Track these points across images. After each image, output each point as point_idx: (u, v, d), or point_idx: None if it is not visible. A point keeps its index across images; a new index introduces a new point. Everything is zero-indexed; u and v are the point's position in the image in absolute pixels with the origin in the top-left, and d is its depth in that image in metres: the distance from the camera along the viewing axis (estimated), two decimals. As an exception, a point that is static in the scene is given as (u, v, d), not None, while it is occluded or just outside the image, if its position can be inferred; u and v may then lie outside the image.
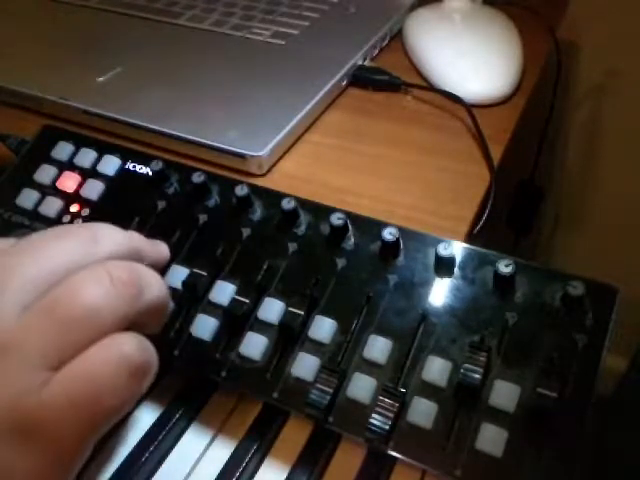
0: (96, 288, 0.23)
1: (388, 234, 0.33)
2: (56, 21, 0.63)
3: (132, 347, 0.23)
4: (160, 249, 0.32)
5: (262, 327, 0.32)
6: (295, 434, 0.33)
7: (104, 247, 0.26)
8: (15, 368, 0.21)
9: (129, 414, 0.34)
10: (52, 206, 0.39)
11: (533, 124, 0.66)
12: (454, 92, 0.50)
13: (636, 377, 0.86)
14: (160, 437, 0.32)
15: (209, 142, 0.44)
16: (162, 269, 0.33)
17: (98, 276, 0.23)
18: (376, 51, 0.58)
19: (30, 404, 0.21)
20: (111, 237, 0.27)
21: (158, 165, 0.38)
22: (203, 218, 0.37)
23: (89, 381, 0.22)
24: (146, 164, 0.39)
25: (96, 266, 0.24)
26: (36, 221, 0.39)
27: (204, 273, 0.34)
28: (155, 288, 0.26)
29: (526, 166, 0.76)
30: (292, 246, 0.35)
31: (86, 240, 0.26)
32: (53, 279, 0.23)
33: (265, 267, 0.34)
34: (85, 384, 0.22)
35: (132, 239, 0.29)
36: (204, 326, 0.33)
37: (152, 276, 0.26)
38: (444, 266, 0.32)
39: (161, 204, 0.38)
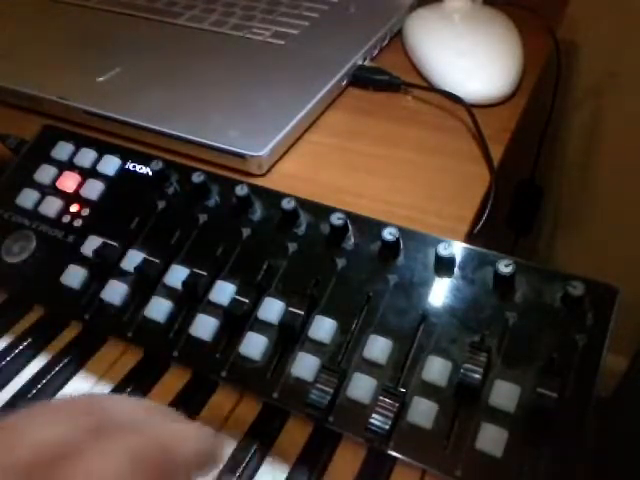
0: (113, 470, 0.19)
1: (388, 234, 0.33)
2: (56, 21, 0.63)
3: None
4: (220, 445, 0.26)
5: (262, 327, 0.32)
6: (295, 434, 0.33)
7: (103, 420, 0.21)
8: None
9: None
10: (52, 206, 0.39)
11: (533, 124, 0.66)
12: (454, 92, 0.50)
13: (636, 377, 0.86)
14: (160, 437, 0.32)
15: (209, 142, 0.44)
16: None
17: (118, 466, 0.19)
18: (376, 51, 0.58)
19: None
20: (114, 410, 0.22)
21: (158, 165, 0.38)
22: (203, 218, 0.37)
23: None
24: (146, 164, 0.39)
25: (116, 450, 0.20)
26: (36, 221, 0.39)
27: (204, 273, 0.34)
28: (189, 461, 0.21)
29: (526, 166, 0.76)
30: (292, 246, 0.35)
31: (87, 417, 0.21)
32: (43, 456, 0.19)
33: (265, 267, 0.34)
34: None
35: (136, 411, 0.23)
36: (204, 326, 0.33)
37: (186, 444, 0.22)
38: (444, 266, 0.32)
39: (161, 204, 0.38)
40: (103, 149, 0.41)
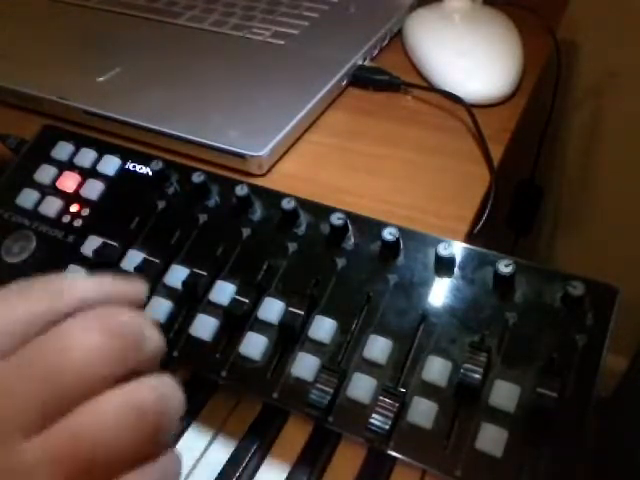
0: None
1: (388, 234, 0.33)
2: (56, 21, 0.63)
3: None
4: (135, 289, 0.29)
5: (262, 327, 0.32)
6: (295, 434, 0.33)
7: (71, 298, 0.23)
8: None
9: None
10: (52, 206, 0.39)
11: (533, 124, 0.66)
12: (454, 92, 0.50)
13: (636, 377, 0.86)
14: (160, 437, 0.32)
15: (209, 142, 0.44)
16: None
17: (122, 412, 0.20)
18: (376, 51, 0.58)
19: (7, 471, 0.19)
20: (76, 287, 0.24)
21: (158, 165, 0.38)
22: (203, 218, 0.37)
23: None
24: (146, 164, 0.39)
25: (119, 398, 0.21)
26: (36, 221, 0.39)
27: (204, 273, 0.34)
28: (178, 413, 0.23)
29: (526, 166, 0.76)
30: (292, 246, 0.35)
31: (52, 293, 0.23)
32: (16, 333, 0.21)
33: (265, 267, 0.34)
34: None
35: (100, 286, 0.25)
36: (204, 326, 0.33)
37: (175, 398, 0.23)
38: (444, 266, 0.32)
39: (161, 204, 0.38)
40: (103, 149, 0.41)
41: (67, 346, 0.21)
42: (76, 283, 0.24)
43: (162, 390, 0.22)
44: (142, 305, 0.28)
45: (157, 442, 0.21)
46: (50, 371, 0.20)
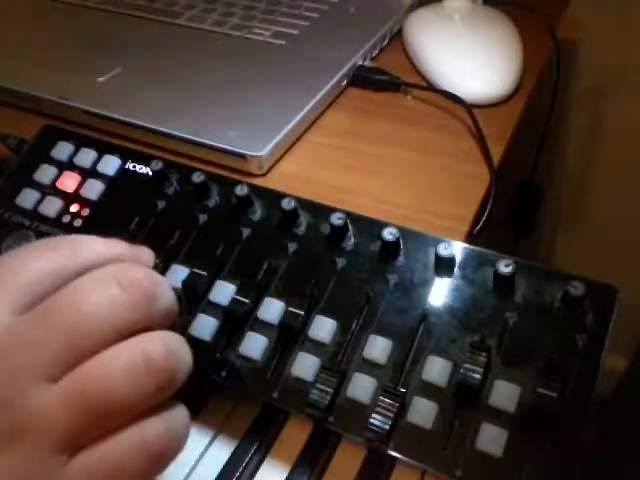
0: (129, 381, 0.21)
1: (388, 234, 0.33)
2: (56, 21, 0.63)
3: (158, 437, 0.22)
4: (142, 255, 0.30)
5: (262, 327, 0.32)
6: (295, 434, 0.33)
7: (89, 254, 0.25)
8: (39, 446, 0.21)
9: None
10: (52, 206, 0.39)
11: (533, 124, 0.66)
12: (454, 92, 0.50)
13: (636, 377, 0.86)
14: (160, 437, 0.32)
15: (209, 142, 0.44)
16: None
17: (132, 364, 0.22)
18: (376, 51, 0.58)
19: (25, 414, 0.21)
20: (90, 247, 0.26)
21: (158, 165, 0.38)
22: (203, 218, 0.37)
23: (111, 466, 0.21)
24: (146, 164, 0.39)
25: (130, 347, 0.22)
26: (36, 221, 0.39)
27: (204, 273, 0.34)
28: (186, 368, 0.24)
29: (526, 166, 0.76)
30: (292, 246, 0.35)
31: (65, 252, 0.24)
32: (34, 290, 0.23)
33: (265, 267, 0.34)
34: (107, 469, 0.21)
35: (112, 247, 0.27)
36: (204, 326, 0.33)
37: (185, 353, 0.24)
38: (444, 266, 0.32)
39: (161, 204, 0.38)
40: (103, 149, 0.41)
41: (82, 299, 0.22)
42: (93, 242, 0.26)
43: (171, 343, 0.23)
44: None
45: (165, 393, 0.23)
46: (65, 323, 0.21)
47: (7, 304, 0.22)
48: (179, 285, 0.33)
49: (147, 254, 0.30)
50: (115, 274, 0.23)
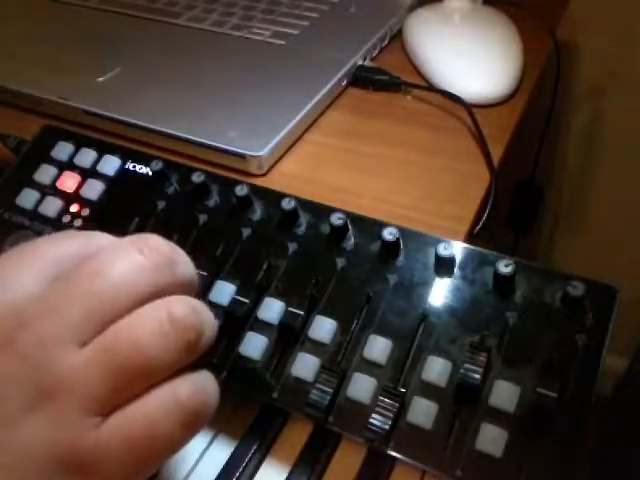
0: (156, 334, 0.22)
1: (388, 234, 0.33)
2: (56, 21, 0.63)
3: (189, 395, 0.22)
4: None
5: (262, 327, 0.32)
6: (295, 434, 0.33)
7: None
8: (68, 409, 0.21)
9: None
10: (52, 206, 0.39)
11: (533, 124, 0.66)
12: (454, 92, 0.50)
13: (636, 377, 0.86)
14: (160, 437, 0.32)
15: (209, 142, 0.44)
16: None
17: (159, 318, 0.22)
18: (376, 51, 0.58)
19: (83, 446, 0.21)
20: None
21: (158, 165, 0.38)
22: (203, 218, 0.37)
23: (145, 430, 0.22)
24: (146, 164, 0.39)
25: (156, 306, 0.23)
26: (36, 221, 0.39)
27: (204, 273, 0.34)
28: (211, 326, 0.24)
29: (526, 166, 0.76)
30: (292, 246, 0.35)
31: (82, 240, 0.26)
32: (59, 263, 0.24)
33: (265, 267, 0.34)
34: (141, 432, 0.21)
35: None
36: (204, 326, 0.33)
37: (208, 316, 0.25)
38: (444, 266, 0.32)
39: (161, 204, 0.38)
40: (103, 149, 0.41)
41: (106, 266, 0.23)
42: (105, 234, 0.27)
43: (196, 307, 0.23)
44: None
45: (194, 351, 0.23)
46: (91, 289, 0.22)
47: (34, 274, 0.23)
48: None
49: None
50: (136, 242, 0.24)
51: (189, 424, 0.23)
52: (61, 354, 0.21)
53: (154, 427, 0.22)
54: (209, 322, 0.24)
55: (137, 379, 0.22)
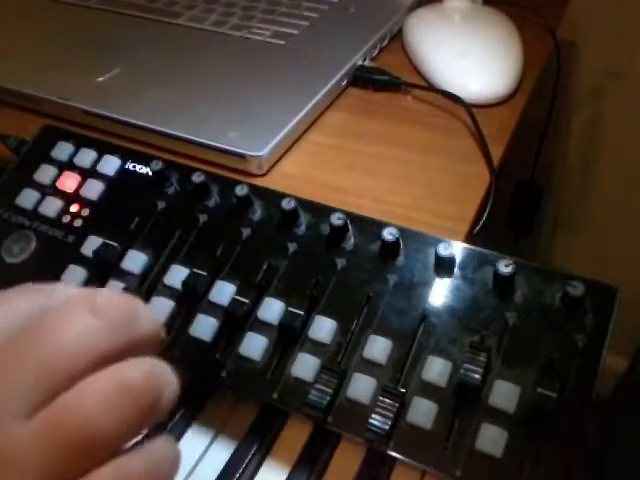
0: (106, 407, 0.20)
1: (388, 234, 0.33)
2: (56, 21, 0.63)
3: (139, 473, 0.21)
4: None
5: (262, 327, 0.32)
6: (295, 434, 0.33)
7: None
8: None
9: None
10: (52, 206, 0.39)
11: (533, 124, 0.66)
12: (454, 92, 0.50)
13: (636, 377, 0.86)
14: (160, 437, 0.32)
15: (209, 142, 0.44)
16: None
17: (109, 393, 0.20)
18: (376, 51, 0.57)
19: None
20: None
21: (158, 165, 0.38)
22: (203, 218, 0.37)
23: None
24: (146, 164, 0.39)
25: (109, 373, 0.21)
26: (36, 221, 0.39)
27: (204, 273, 0.34)
28: (170, 395, 0.22)
29: (526, 166, 0.76)
30: (292, 246, 0.35)
31: (48, 291, 0.24)
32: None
33: (265, 267, 0.34)
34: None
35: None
36: (204, 326, 0.33)
37: (168, 380, 0.23)
38: (444, 266, 0.32)
39: (161, 204, 0.38)
40: (103, 149, 0.41)
41: (57, 329, 0.21)
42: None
43: (153, 370, 0.22)
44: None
45: (147, 421, 0.21)
46: (36, 358, 0.20)
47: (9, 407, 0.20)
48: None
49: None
50: (87, 299, 0.22)
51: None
52: (4, 428, 0.19)
53: None
54: (168, 384, 0.22)
55: (84, 455, 0.20)
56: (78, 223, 0.38)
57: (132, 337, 0.22)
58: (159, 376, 0.22)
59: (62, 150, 0.41)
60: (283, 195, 0.36)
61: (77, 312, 0.21)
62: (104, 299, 0.22)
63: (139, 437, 0.21)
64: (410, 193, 0.42)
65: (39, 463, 0.19)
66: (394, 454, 0.29)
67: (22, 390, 0.20)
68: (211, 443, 0.33)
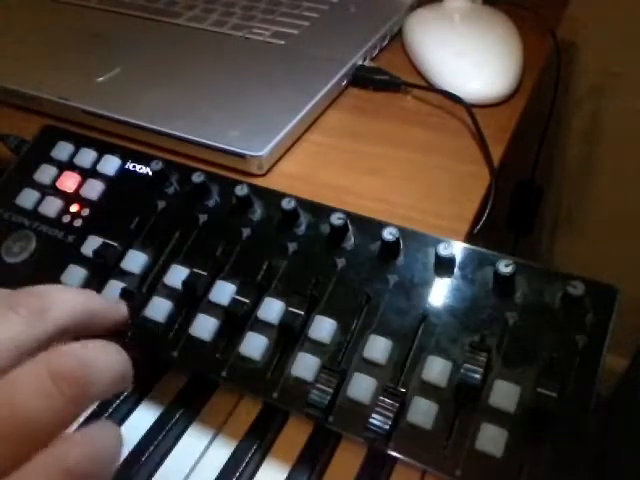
0: (34, 394, 0.20)
1: (388, 234, 0.33)
2: (56, 21, 0.63)
3: (77, 459, 0.20)
4: (118, 309, 0.31)
5: (262, 327, 0.32)
6: (295, 434, 0.33)
7: (53, 318, 0.24)
8: None
9: (129, 413, 0.34)
10: (52, 206, 0.39)
11: (533, 124, 0.66)
12: (454, 92, 0.50)
13: (636, 377, 0.86)
14: (160, 437, 0.32)
15: (209, 142, 0.44)
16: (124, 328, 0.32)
17: (37, 376, 0.21)
18: (376, 51, 0.58)
19: None
20: (62, 303, 0.25)
21: (158, 165, 0.38)
22: (203, 218, 0.37)
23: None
24: (146, 164, 0.39)
25: (36, 363, 0.21)
26: (36, 221, 0.39)
27: (204, 273, 0.34)
28: (106, 373, 0.23)
29: (526, 166, 0.76)
30: (292, 246, 0.35)
31: (34, 312, 0.24)
32: None
33: (265, 267, 0.34)
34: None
35: (87, 300, 0.27)
36: (204, 326, 0.33)
37: (103, 358, 0.23)
38: (444, 266, 0.32)
39: (161, 204, 0.38)
40: (103, 149, 0.41)
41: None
42: (61, 301, 0.25)
43: (82, 355, 0.22)
44: (125, 324, 0.31)
45: (81, 407, 0.22)
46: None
47: None
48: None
49: (122, 310, 0.31)
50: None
51: None
52: None
53: None
54: (103, 368, 0.23)
55: (20, 445, 0.20)
56: (78, 223, 0.38)
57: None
58: (90, 362, 0.22)
59: (62, 150, 0.41)
60: (283, 195, 0.36)
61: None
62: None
63: (80, 420, 0.21)
64: (410, 193, 0.42)
65: None
66: (394, 454, 0.29)
67: None
68: (211, 442, 0.33)
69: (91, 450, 0.21)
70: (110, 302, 0.31)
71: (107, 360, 0.23)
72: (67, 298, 0.25)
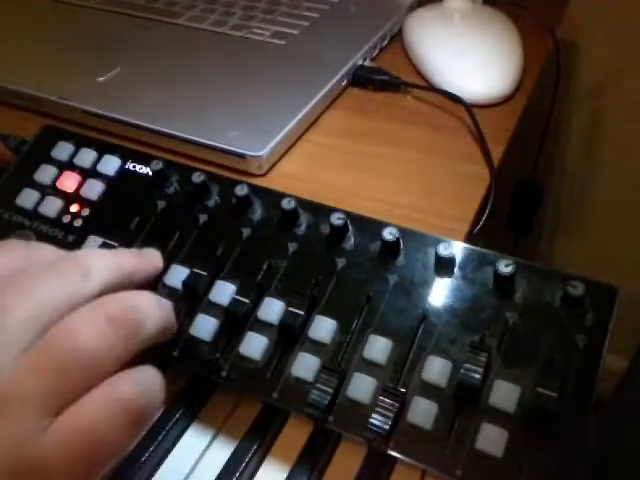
0: (92, 331, 0.23)
1: (388, 234, 0.33)
2: (56, 21, 0.63)
3: (131, 392, 0.23)
4: (152, 261, 0.33)
5: (262, 327, 0.32)
6: (295, 434, 0.33)
7: (96, 278, 0.26)
8: (15, 416, 0.21)
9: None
10: (52, 206, 0.39)
11: (533, 124, 0.66)
12: (454, 92, 0.50)
13: (636, 377, 0.86)
14: (160, 437, 0.32)
15: (209, 142, 0.44)
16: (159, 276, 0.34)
17: (94, 317, 0.23)
18: (376, 51, 0.58)
19: (31, 451, 0.21)
20: (101, 265, 0.27)
21: (158, 165, 0.38)
22: (203, 218, 0.37)
23: (88, 430, 0.22)
24: (146, 164, 0.39)
25: (92, 306, 0.24)
26: (36, 221, 0.39)
27: (204, 273, 0.34)
28: (153, 319, 0.26)
29: (526, 166, 0.76)
30: (292, 246, 0.35)
31: (77, 275, 0.26)
32: (48, 319, 0.23)
33: (265, 267, 0.34)
34: (84, 433, 0.22)
35: (122, 260, 0.29)
36: (204, 326, 0.33)
37: (149, 306, 0.26)
38: (444, 266, 0.32)
39: (161, 204, 0.38)
40: (103, 149, 0.41)
41: (74, 339, 0.23)
42: (100, 263, 0.27)
43: (132, 303, 0.25)
44: (160, 272, 0.34)
45: (133, 346, 0.25)
46: (60, 363, 0.22)
47: (14, 342, 0.23)
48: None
49: (155, 259, 0.33)
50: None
51: (133, 424, 0.23)
52: (27, 431, 0.21)
53: (97, 429, 0.22)
54: (150, 313, 0.26)
55: (78, 379, 0.22)
56: (78, 223, 0.38)
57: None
58: (140, 307, 0.26)
59: (62, 150, 0.41)
60: (283, 195, 0.36)
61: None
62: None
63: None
64: (410, 193, 0.42)
65: (37, 391, 0.22)
66: (394, 454, 0.29)
67: (45, 397, 0.22)
68: (211, 442, 0.33)
69: (144, 388, 0.24)
70: (142, 257, 0.32)
71: (153, 307, 0.26)
72: (105, 260, 0.28)
